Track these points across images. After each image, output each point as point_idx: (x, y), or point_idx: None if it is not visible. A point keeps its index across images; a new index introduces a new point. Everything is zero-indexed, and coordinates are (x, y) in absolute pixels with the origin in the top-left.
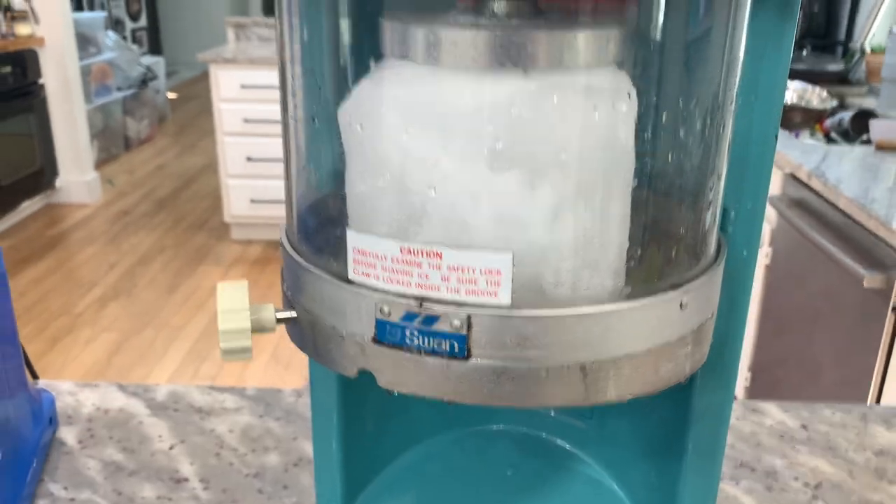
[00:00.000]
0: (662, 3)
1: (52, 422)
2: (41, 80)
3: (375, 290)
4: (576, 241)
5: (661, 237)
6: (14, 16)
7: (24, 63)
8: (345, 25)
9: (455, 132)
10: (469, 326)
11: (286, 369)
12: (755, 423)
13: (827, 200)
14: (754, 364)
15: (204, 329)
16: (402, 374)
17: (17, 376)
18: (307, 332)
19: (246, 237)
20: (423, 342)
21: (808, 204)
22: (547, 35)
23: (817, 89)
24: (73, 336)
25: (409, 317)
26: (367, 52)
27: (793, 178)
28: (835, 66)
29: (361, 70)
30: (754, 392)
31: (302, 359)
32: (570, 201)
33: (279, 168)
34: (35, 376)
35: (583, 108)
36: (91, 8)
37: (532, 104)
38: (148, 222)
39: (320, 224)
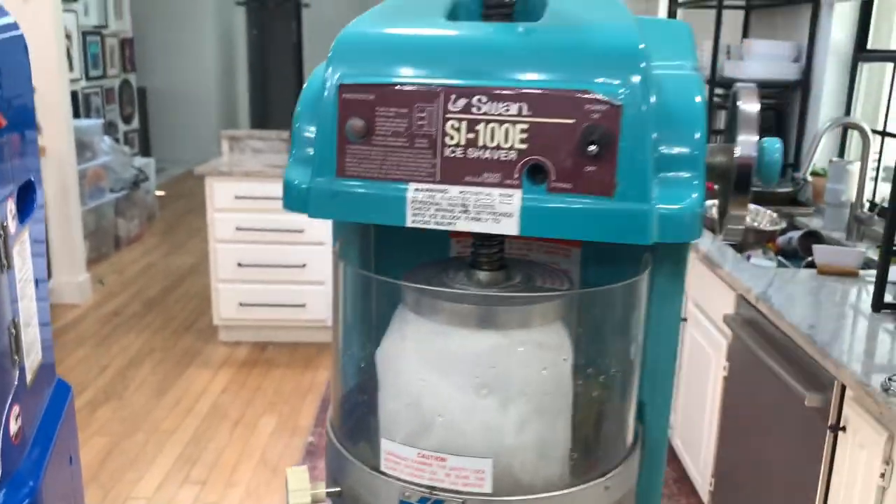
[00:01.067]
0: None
1: None
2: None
3: (400, 480)
4: (534, 445)
5: (594, 438)
6: None
7: None
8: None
9: (453, 372)
10: None
11: (273, 473)
12: None
13: (773, 323)
14: (716, 470)
15: (193, 433)
16: None
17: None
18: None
19: (233, 339)
20: None
21: (758, 324)
22: (510, 309)
23: (768, 212)
24: None
25: (423, 500)
26: (392, 302)
27: (744, 298)
28: (784, 189)
29: (388, 315)
30: (718, 497)
31: (289, 464)
32: (531, 417)
33: (268, 273)
34: None
35: (538, 356)
36: (88, 114)
37: (504, 354)
38: (137, 323)
39: (360, 427)
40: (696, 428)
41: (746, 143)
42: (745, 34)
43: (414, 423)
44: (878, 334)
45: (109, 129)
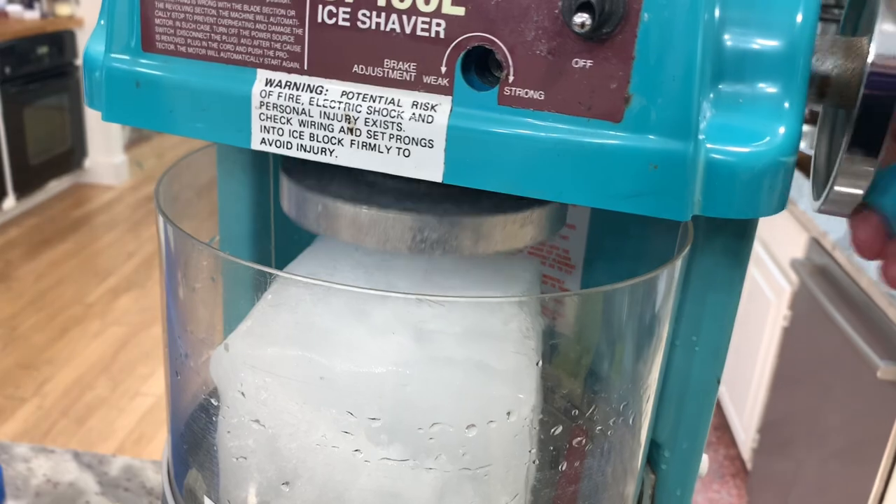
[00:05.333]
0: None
1: None
2: (77, 62)
3: None
4: None
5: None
6: None
7: (62, 43)
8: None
9: (328, 403)
10: None
11: None
12: None
13: (850, 276)
14: (763, 425)
15: None
16: None
17: None
18: None
19: None
20: None
21: (831, 275)
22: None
23: None
24: (82, 327)
25: None
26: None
27: (818, 242)
28: None
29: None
30: (760, 456)
31: None
32: (461, 488)
33: None
34: None
35: (482, 386)
36: None
37: (424, 372)
38: None
39: (193, 469)
40: (744, 377)
41: (893, 37)
42: None
43: (263, 478)
44: None
45: None
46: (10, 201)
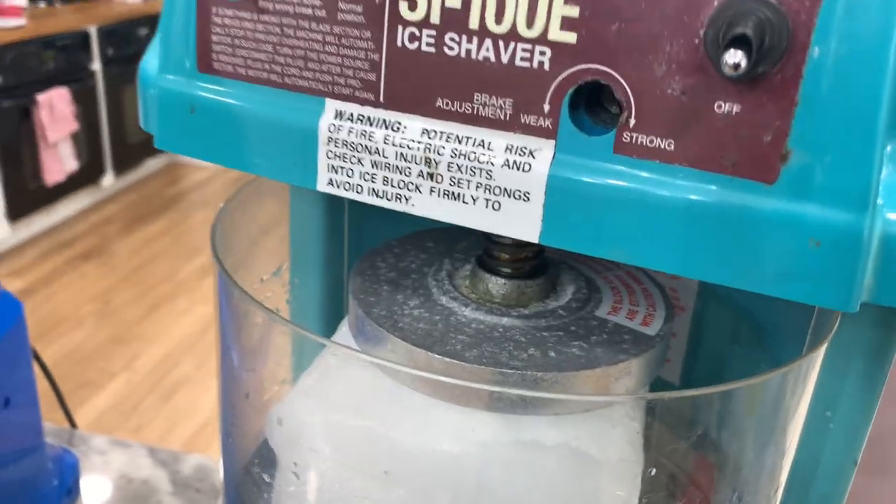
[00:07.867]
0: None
1: (72, 492)
2: None
3: None
4: None
5: None
6: None
7: None
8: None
9: (401, 477)
10: None
11: None
12: None
13: None
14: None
15: None
16: None
17: (31, 437)
18: None
19: None
20: None
21: None
22: (559, 377)
23: None
24: (170, 305)
25: None
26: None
27: None
28: None
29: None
30: (858, 472)
31: None
32: None
33: None
34: (73, 424)
35: (576, 480)
36: None
37: (506, 464)
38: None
39: None
40: None
41: None
42: None
43: None
44: None
45: None
46: (109, 178)
